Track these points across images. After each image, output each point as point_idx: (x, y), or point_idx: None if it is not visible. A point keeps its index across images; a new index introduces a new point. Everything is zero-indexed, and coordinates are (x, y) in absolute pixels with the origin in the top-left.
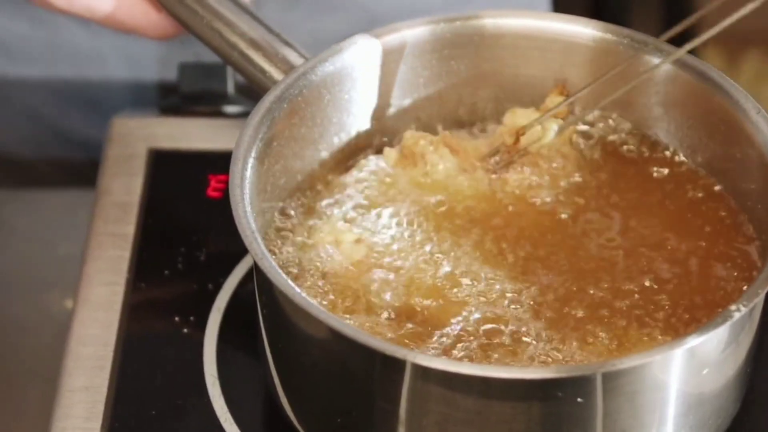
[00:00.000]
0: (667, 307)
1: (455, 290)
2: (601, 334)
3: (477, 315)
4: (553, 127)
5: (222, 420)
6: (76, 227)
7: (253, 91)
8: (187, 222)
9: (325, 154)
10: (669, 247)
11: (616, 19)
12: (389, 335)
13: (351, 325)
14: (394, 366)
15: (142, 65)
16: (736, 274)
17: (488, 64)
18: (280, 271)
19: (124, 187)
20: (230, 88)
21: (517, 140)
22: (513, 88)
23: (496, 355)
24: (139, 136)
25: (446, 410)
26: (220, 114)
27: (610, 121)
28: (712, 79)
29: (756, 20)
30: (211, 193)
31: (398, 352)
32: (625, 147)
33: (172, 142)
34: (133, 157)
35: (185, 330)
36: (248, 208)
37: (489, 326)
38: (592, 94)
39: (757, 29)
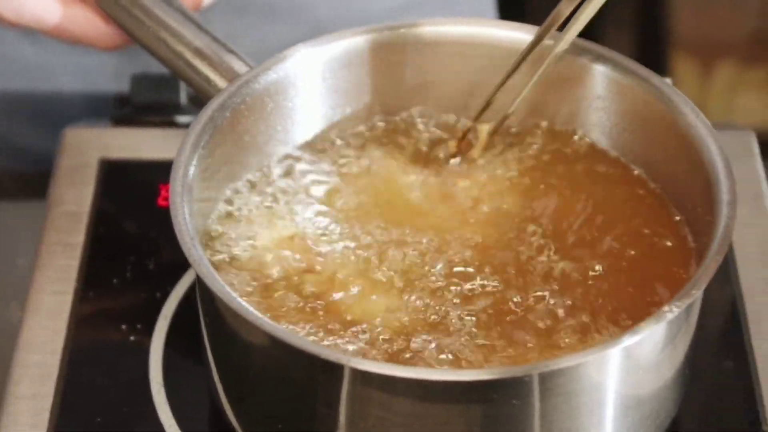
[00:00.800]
0: (604, 309)
1: (383, 285)
2: (535, 335)
3: (404, 313)
4: (484, 128)
5: (167, 426)
6: (34, 239)
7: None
8: (136, 231)
9: (269, 162)
10: (607, 250)
11: (591, 35)
12: (320, 332)
13: (289, 331)
14: (332, 371)
15: (95, 77)
16: (674, 274)
17: (432, 71)
18: (218, 277)
19: (75, 197)
20: (183, 98)
21: (460, 142)
22: (458, 95)
23: (425, 354)
24: (91, 147)
25: (384, 414)
26: (172, 124)
27: (554, 127)
28: (652, 83)
29: (728, 31)
30: (162, 202)
31: (336, 356)
32: (566, 152)
33: (123, 152)
34: (84, 167)
35: (132, 338)
36: (188, 216)
37: (417, 324)
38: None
39: (729, 40)
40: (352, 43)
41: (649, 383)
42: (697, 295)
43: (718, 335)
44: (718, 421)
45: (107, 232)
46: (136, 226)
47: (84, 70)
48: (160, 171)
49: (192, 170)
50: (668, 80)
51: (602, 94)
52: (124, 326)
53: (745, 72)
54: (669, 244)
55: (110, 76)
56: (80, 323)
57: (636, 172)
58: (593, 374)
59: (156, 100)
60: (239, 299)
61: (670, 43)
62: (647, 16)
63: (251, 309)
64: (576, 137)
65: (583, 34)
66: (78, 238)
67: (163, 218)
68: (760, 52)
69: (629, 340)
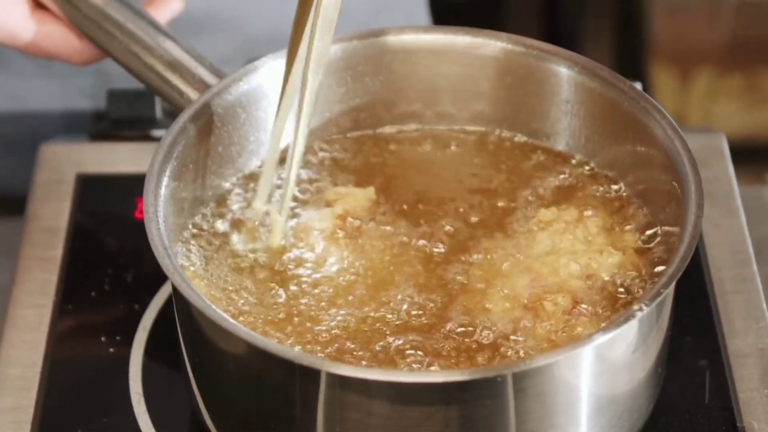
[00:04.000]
0: (578, 313)
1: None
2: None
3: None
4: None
5: None
6: (12, 255)
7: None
8: (114, 244)
9: (243, 173)
10: (577, 250)
11: (570, 45)
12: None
13: (263, 337)
14: (308, 376)
15: (70, 96)
16: (643, 273)
17: (403, 79)
18: (193, 285)
19: (52, 212)
20: (158, 112)
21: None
22: (428, 103)
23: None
24: (68, 162)
25: (360, 417)
26: (148, 138)
27: (517, 137)
28: (619, 87)
29: (705, 39)
30: (138, 215)
31: (312, 361)
32: (533, 159)
33: (100, 167)
34: (61, 182)
35: (111, 349)
36: (162, 226)
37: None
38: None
39: (708, 47)
40: None
41: (622, 383)
42: (665, 293)
43: (692, 335)
44: (693, 419)
45: (85, 246)
46: (114, 240)
47: (57, 91)
48: (136, 184)
49: (165, 181)
50: (638, 84)
51: (570, 99)
52: (103, 338)
53: (723, 79)
54: (640, 244)
55: (85, 95)
56: (59, 336)
57: (606, 176)
58: (566, 374)
59: (132, 114)
60: (214, 307)
61: (648, 52)
62: (625, 25)
63: (226, 316)
64: (543, 147)
65: (562, 44)
66: (56, 252)
67: (140, 231)
68: (737, 60)
69: (600, 339)
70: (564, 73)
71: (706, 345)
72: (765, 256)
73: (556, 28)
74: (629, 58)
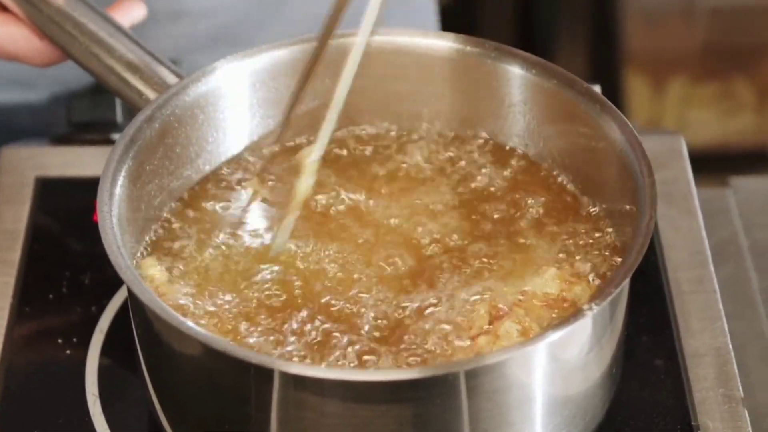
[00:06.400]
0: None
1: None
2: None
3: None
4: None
5: None
6: None
7: None
8: (72, 247)
9: (202, 174)
10: (532, 246)
11: (544, 53)
12: None
13: (218, 337)
14: (261, 375)
15: (33, 96)
16: (596, 274)
17: (363, 80)
18: (145, 285)
19: (11, 215)
20: (119, 116)
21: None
22: (389, 103)
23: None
24: (28, 165)
25: (314, 416)
26: (109, 142)
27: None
28: (575, 88)
29: (680, 47)
30: (97, 218)
31: (264, 360)
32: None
33: (60, 170)
34: (21, 185)
35: (68, 351)
36: (116, 225)
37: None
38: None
39: (682, 55)
40: (280, 54)
41: (577, 383)
42: (615, 292)
43: (649, 334)
44: (649, 418)
45: (43, 249)
46: (72, 243)
47: (25, 88)
48: (95, 188)
49: (120, 180)
50: (597, 87)
51: (527, 100)
52: (60, 340)
53: (697, 87)
54: (594, 245)
55: (48, 95)
56: (17, 338)
57: (559, 174)
58: (518, 372)
59: (93, 118)
60: (166, 306)
61: (622, 59)
62: (599, 32)
63: (179, 315)
64: (495, 146)
65: (535, 51)
66: (14, 255)
67: (99, 234)
68: (711, 67)
69: (551, 337)
70: (520, 74)
71: (663, 345)
72: (725, 258)
73: (530, 36)
74: (603, 65)
